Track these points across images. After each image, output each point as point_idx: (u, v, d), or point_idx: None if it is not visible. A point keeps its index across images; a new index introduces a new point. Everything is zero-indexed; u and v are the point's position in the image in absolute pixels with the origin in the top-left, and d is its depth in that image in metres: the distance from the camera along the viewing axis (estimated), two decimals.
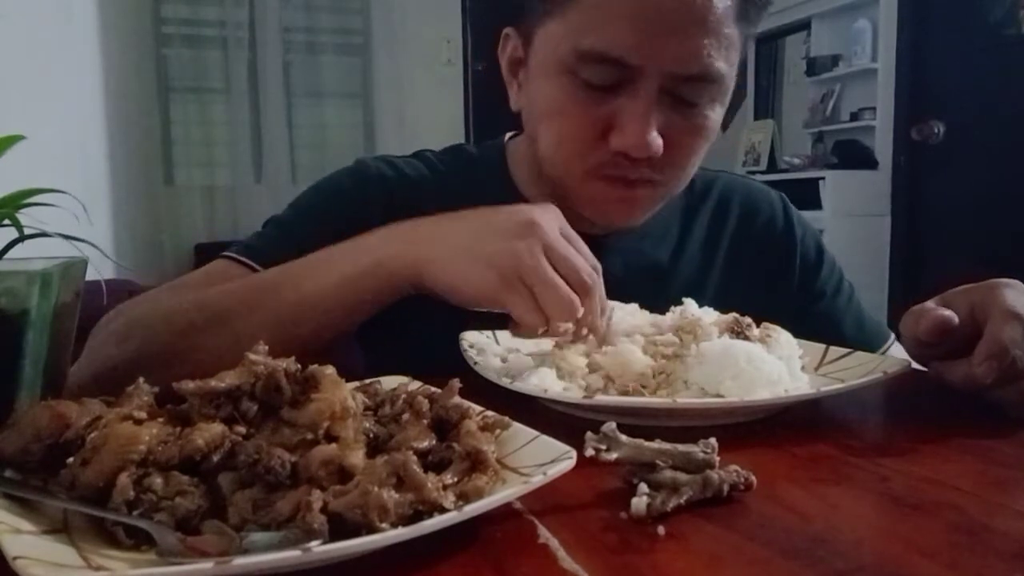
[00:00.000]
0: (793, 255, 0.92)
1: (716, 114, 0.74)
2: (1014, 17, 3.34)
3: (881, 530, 0.38)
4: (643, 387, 0.57)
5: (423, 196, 0.72)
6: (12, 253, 0.49)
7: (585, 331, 0.62)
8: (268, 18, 3.76)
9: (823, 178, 3.81)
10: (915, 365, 0.61)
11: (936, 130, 3.70)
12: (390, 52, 3.94)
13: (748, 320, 0.64)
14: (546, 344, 0.65)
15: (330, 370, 0.39)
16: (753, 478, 0.41)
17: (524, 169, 0.86)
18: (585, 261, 0.61)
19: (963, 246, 3.44)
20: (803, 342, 0.65)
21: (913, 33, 3.79)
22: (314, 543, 0.31)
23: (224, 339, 0.63)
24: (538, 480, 0.36)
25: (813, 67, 4.32)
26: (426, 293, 0.64)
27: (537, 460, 0.39)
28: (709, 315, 0.65)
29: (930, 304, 0.60)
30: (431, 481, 0.35)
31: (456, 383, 0.45)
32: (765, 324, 0.65)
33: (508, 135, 0.91)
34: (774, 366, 0.57)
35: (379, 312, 0.67)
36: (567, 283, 0.59)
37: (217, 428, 0.36)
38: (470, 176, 0.87)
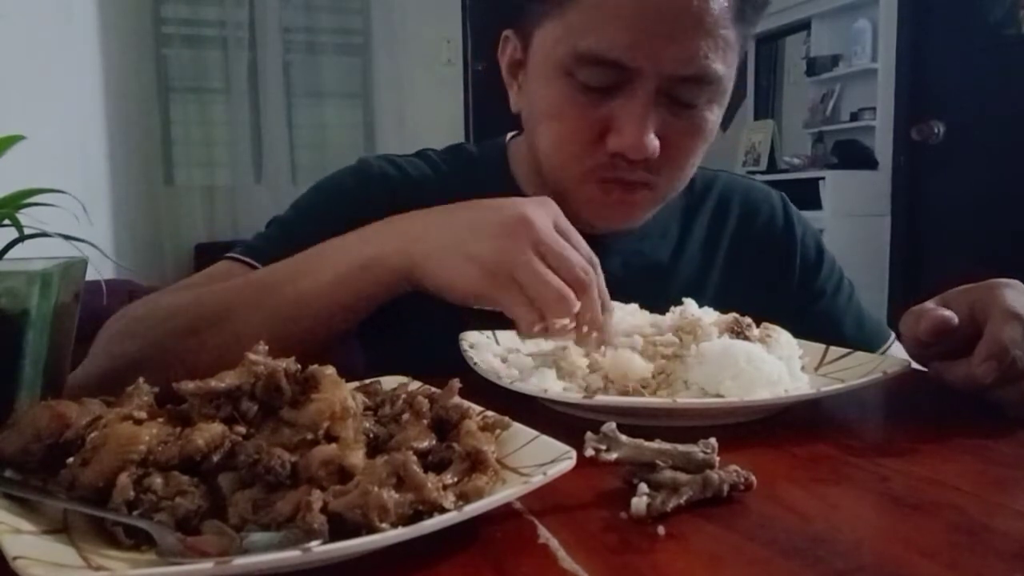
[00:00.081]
0: (793, 255, 0.92)
1: (714, 115, 0.74)
2: (1014, 17, 3.34)
3: (881, 530, 0.38)
4: (643, 387, 0.57)
5: (426, 195, 0.72)
6: (12, 253, 0.50)
7: (586, 329, 0.60)
8: (268, 18, 3.76)
9: (823, 178, 3.81)
10: (915, 365, 0.61)
11: (936, 130, 3.70)
12: (390, 52, 3.94)
13: (748, 320, 0.64)
14: (546, 344, 0.65)
15: (330, 370, 0.39)
16: (753, 478, 0.41)
17: (525, 169, 0.86)
18: (580, 256, 0.60)
19: (963, 246, 3.45)
20: (803, 342, 0.65)
21: (913, 33, 3.79)
22: (314, 543, 0.31)
23: (224, 338, 0.63)
24: (538, 480, 0.36)
25: (813, 67, 4.32)
26: (421, 290, 0.64)
27: (537, 460, 0.39)
28: (709, 315, 0.65)
29: (930, 304, 0.60)
30: (431, 481, 0.35)
31: (456, 383, 0.45)
32: (765, 324, 0.65)
33: (510, 135, 0.91)
34: (774, 366, 0.57)
35: (379, 310, 0.67)
36: (562, 279, 0.58)
37: (217, 428, 0.36)
38: (472, 175, 0.87)
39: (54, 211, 0.51)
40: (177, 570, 0.29)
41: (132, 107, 3.35)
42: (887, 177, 3.90)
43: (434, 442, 0.40)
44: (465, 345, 0.65)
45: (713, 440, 0.42)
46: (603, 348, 0.61)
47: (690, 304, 0.66)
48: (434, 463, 0.39)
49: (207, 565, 0.29)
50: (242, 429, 0.37)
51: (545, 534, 0.36)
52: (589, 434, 0.41)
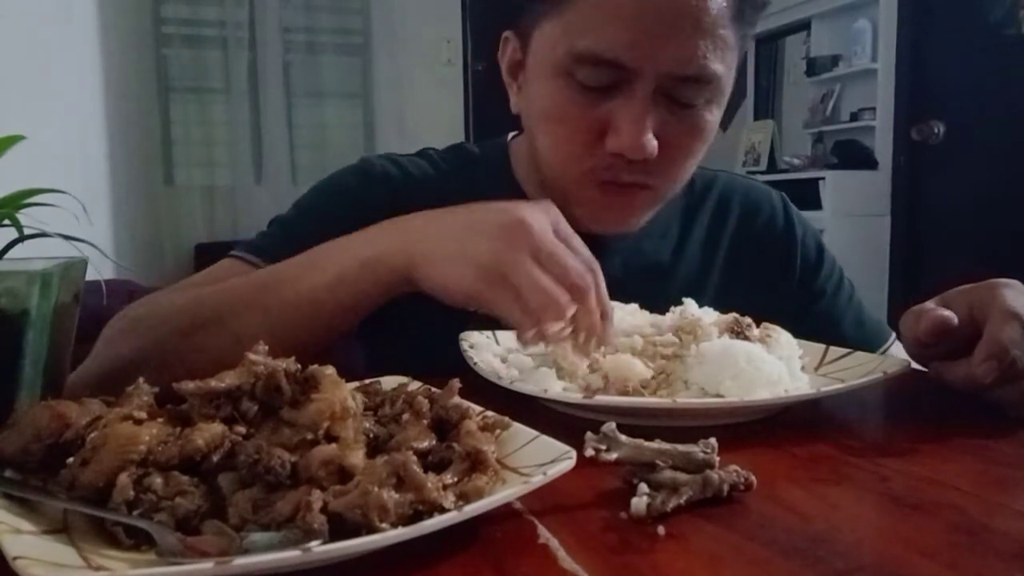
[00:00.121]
0: (793, 254, 0.92)
1: (713, 115, 0.74)
2: (1014, 17, 3.34)
3: (881, 530, 0.38)
4: (643, 387, 0.57)
5: (427, 195, 0.71)
6: (12, 253, 0.50)
7: (583, 335, 0.59)
8: (268, 18, 3.76)
9: (823, 178, 3.81)
10: (915, 365, 0.61)
11: (936, 130, 3.70)
12: (390, 52, 3.94)
13: (748, 320, 0.64)
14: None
15: (330, 370, 0.39)
16: (753, 478, 0.41)
17: (526, 169, 0.86)
18: (578, 261, 0.59)
19: (963, 246, 3.45)
20: (803, 342, 0.65)
21: (913, 33, 3.79)
22: (314, 543, 0.31)
23: (224, 338, 0.63)
24: (538, 480, 0.36)
25: (813, 67, 4.32)
26: (420, 292, 0.64)
27: (537, 460, 0.39)
28: (709, 315, 0.65)
29: (930, 304, 0.60)
30: (431, 481, 0.35)
31: (456, 383, 0.45)
32: (765, 324, 0.65)
33: (511, 135, 0.91)
34: (774, 366, 0.57)
35: (379, 310, 0.67)
36: (559, 284, 0.57)
37: (217, 428, 0.36)
38: (474, 175, 0.87)
39: (54, 211, 0.51)
40: (177, 570, 0.28)
41: (132, 107, 3.35)
42: (887, 177, 3.90)
43: (434, 442, 0.40)
44: (465, 345, 0.65)
45: (713, 440, 0.42)
46: (603, 348, 0.60)
47: (690, 304, 0.66)
48: (434, 463, 0.39)
49: (207, 565, 0.29)
50: (242, 429, 0.37)
51: (545, 534, 0.36)
52: (589, 434, 0.41)
